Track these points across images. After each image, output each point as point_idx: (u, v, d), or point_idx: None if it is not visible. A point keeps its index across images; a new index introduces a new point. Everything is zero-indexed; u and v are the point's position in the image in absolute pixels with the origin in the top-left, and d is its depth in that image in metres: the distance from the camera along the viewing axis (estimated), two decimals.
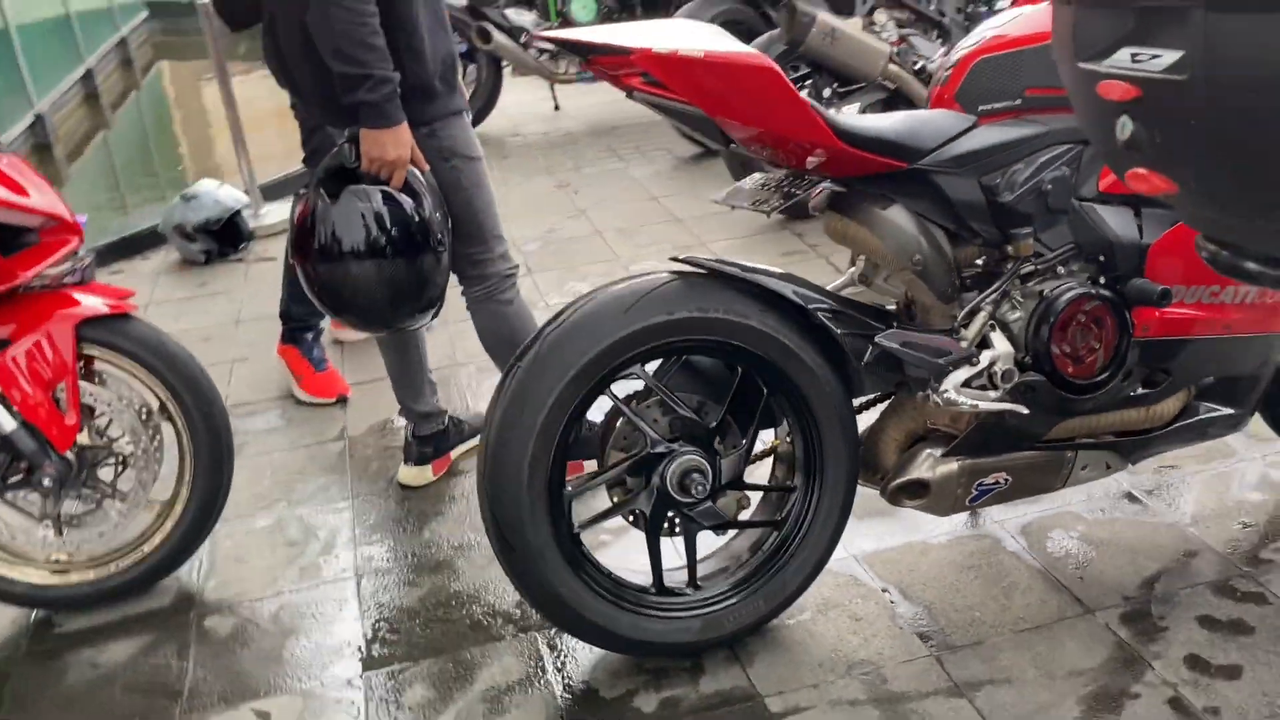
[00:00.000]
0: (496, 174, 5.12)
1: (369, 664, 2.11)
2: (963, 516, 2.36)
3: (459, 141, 2.33)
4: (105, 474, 2.30)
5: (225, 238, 4.36)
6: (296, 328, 3.20)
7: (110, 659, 2.19)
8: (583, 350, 1.81)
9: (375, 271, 2.18)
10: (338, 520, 2.59)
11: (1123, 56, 0.89)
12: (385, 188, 2.17)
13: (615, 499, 2.01)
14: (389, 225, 2.17)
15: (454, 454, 2.77)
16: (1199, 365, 2.04)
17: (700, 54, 1.73)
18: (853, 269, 2.15)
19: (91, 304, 2.20)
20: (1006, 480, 2.03)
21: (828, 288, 2.02)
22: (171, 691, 2.08)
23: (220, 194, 4.38)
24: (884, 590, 2.18)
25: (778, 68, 1.76)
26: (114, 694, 2.09)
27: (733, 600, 2.01)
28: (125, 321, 2.24)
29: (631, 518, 2.01)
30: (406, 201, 2.20)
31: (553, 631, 2.13)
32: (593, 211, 4.52)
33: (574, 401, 1.84)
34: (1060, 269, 1.96)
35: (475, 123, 5.91)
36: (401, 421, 2.78)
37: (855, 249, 2.02)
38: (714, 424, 1.94)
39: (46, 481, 2.16)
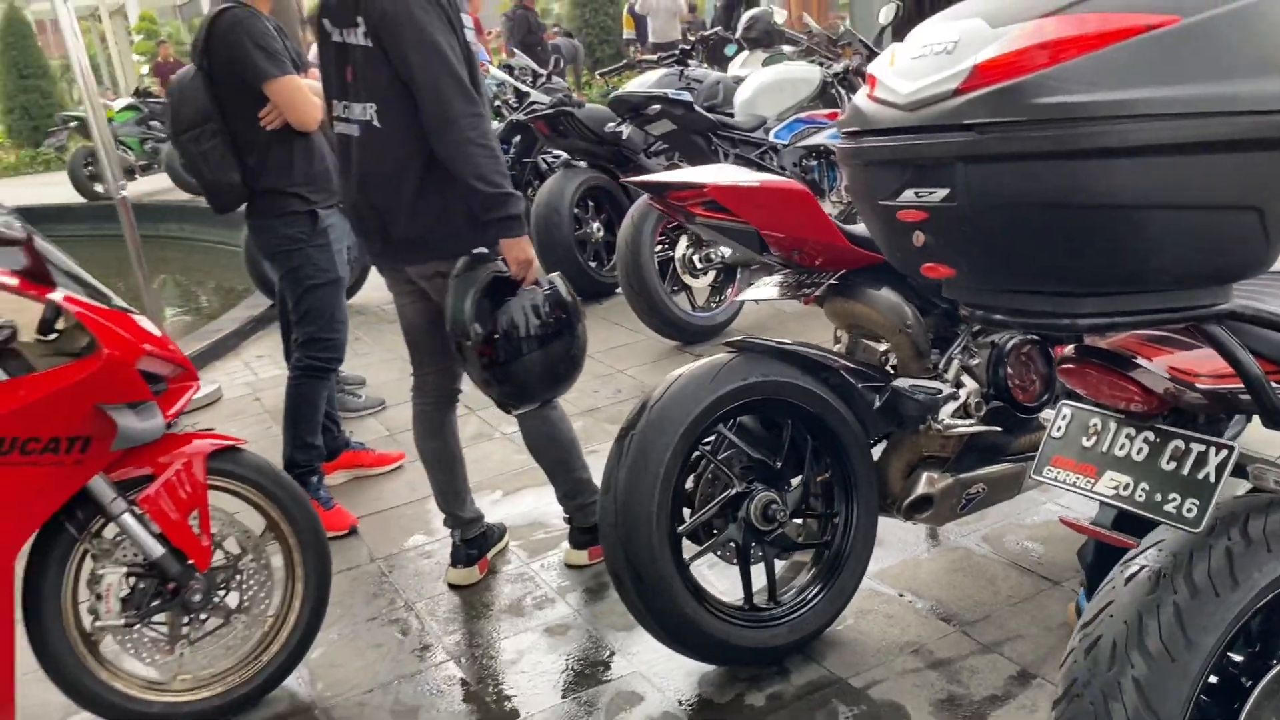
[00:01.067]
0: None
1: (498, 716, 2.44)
2: (934, 538, 2.98)
3: None
4: (226, 593, 2.54)
5: None
6: (302, 474, 3.48)
7: None
8: (687, 411, 2.32)
9: (569, 343, 2.68)
10: (409, 621, 2.90)
11: (909, 195, 1.35)
12: (539, 283, 2.66)
13: (702, 537, 2.49)
14: (559, 306, 2.67)
15: (490, 556, 3.13)
16: None
17: (756, 183, 2.35)
18: (838, 345, 2.78)
19: (211, 440, 2.50)
20: (984, 490, 2.65)
21: None
22: None
23: None
24: (900, 594, 2.74)
25: (808, 190, 2.40)
26: None
27: (808, 607, 2.50)
28: (240, 453, 2.54)
29: (720, 551, 2.49)
30: (558, 284, 2.70)
31: (651, 664, 2.54)
32: None
33: (683, 454, 2.34)
34: None
35: (350, 294, 6.31)
36: (425, 540, 3.12)
37: (857, 324, 2.65)
38: (779, 465, 2.48)
39: (196, 598, 2.40)
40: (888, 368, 2.65)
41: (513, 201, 2.58)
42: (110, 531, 2.40)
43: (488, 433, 4.12)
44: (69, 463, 2.22)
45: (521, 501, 3.52)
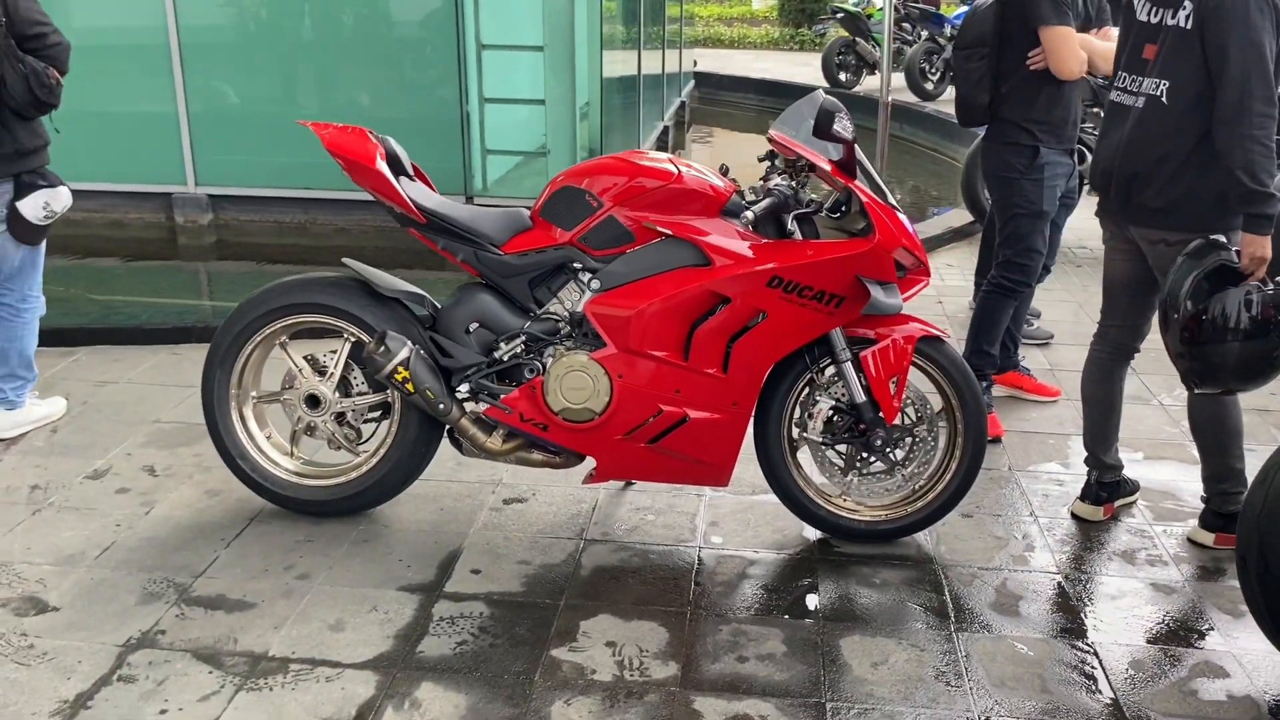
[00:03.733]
0: (1076, 280, 5.73)
1: (1093, 635, 2.78)
2: None
3: None
4: (896, 449, 3.14)
5: None
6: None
7: (885, 580, 3.02)
8: None
9: (1273, 345, 2.70)
10: (1029, 529, 3.30)
11: None
12: (1264, 283, 2.74)
13: None
14: (1276, 308, 2.70)
15: (1116, 504, 3.39)
16: None
17: None
18: None
19: (924, 326, 3.06)
20: None
21: None
22: (938, 609, 2.86)
23: None
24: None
25: None
26: (895, 606, 2.90)
27: None
28: (943, 343, 3.08)
29: None
30: None
31: (1246, 652, 2.69)
32: None
33: None
34: None
35: None
36: (1060, 470, 3.44)
37: None
38: None
39: (878, 443, 3.04)
40: None
41: (1271, 203, 2.71)
42: (829, 371, 3.09)
43: (1146, 398, 4.26)
44: (825, 312, 2.91)
45: (1161, 469, 3.69)
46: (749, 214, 2.84)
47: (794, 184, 2.96)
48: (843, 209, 3.02)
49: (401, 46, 7.32)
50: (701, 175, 3.00)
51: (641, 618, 2.82)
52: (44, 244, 3.81)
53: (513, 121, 7.77)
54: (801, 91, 15.04)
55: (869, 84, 12.85)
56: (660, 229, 2.93)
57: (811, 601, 2.91)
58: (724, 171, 3.11)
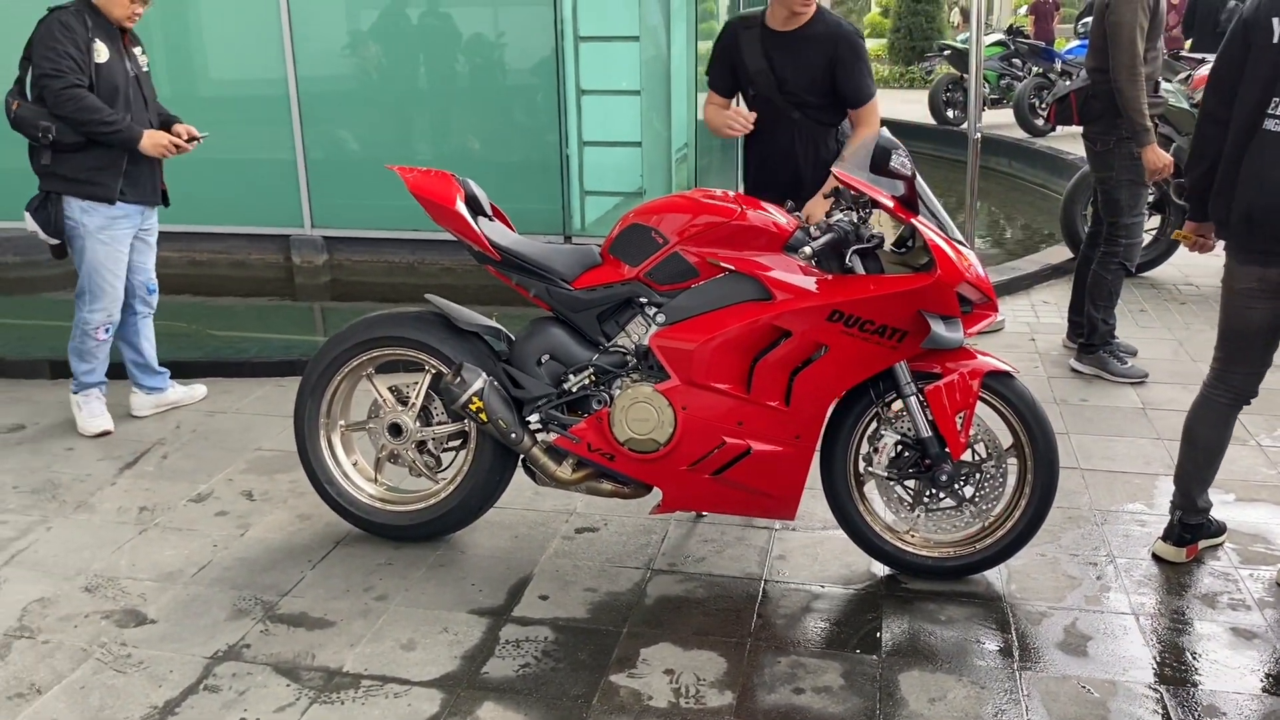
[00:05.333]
0: (1178, 318, 5.57)
1: (1163, 678, 2.71)
2: None
3: None
4: (965, 485, 3.12)
5: None
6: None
7: (951, 617, 2.99)
8: None
9: None
10: (1106, 569, 3.23)
11: None
12: None
13: None
14: None
15: (1201, 546, 3.29)
16: None
17: None
18: None
19: (992, 361, 3.05)
20: None
21: None
22: (1003, 647, 2.82)
23: None
24: None
25: None
26: (958, 642, 2.88)
27: None
28: (1012, 379, 3.06)
29: None
30: None
31: None
32: None
33: None
34: None
35: (1148, 268, 6.39)
36: (1144, 509, 3.35)
37: None
38: None
39: (944, 478, 3.03)
40: None
41: None
42: (896, 406, 3.10)
43: (1243, 439, 4.12)
44: (887, 346, 2.93)
45: (1252, 511, 3.56)
46: (807, 249, 2.88)
47: (855, 219, 3.00)
48: (908, 244, 3.04)
49: (505, 94, 7.59)
50: (764, 212, 3.06)
51: (701, 647, 2.86)
52: (106, 269, 4.20)
53: (611, 163, 7.95)
54: (905, 129, 15.05)
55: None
56: (723, 264, 3.00)
57: (873, 636, 2.91)
58: (790, 209, 3.16)
